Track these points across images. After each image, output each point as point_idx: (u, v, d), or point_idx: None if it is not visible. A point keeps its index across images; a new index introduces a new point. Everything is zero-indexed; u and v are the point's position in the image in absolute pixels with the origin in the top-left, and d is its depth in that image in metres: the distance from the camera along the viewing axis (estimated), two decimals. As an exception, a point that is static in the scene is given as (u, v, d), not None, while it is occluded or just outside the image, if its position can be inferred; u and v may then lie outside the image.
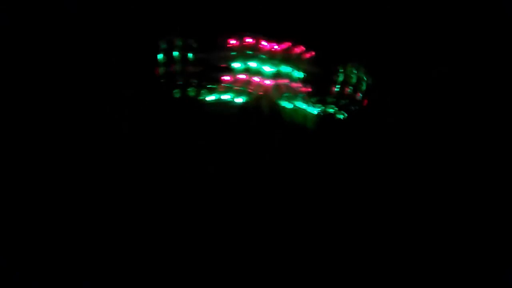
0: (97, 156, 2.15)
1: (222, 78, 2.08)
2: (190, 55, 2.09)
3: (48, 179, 2.11)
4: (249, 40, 2.07)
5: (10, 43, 2.15)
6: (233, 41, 2.06)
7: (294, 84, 2.10)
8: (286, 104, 2.10)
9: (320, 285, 2.06)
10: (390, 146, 2.19)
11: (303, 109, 2.12)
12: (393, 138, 2.20)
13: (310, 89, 2.13)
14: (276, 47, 2.08)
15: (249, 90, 2.09)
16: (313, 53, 2.11)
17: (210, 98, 2.11)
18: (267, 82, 2.08)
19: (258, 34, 2.08)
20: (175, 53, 2.09)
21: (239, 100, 2.09)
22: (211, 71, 2.10)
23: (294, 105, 2.11)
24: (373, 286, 2.07)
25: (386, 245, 2.11)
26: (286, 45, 2.08)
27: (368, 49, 2.19)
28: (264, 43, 2.07)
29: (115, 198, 2.11)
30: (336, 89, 2.14)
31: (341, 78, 2.14)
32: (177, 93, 2.11)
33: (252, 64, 2.08)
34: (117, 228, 2.08)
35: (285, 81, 2.09)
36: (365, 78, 2.16)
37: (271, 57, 2.08)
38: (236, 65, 2.08)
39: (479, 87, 2.21)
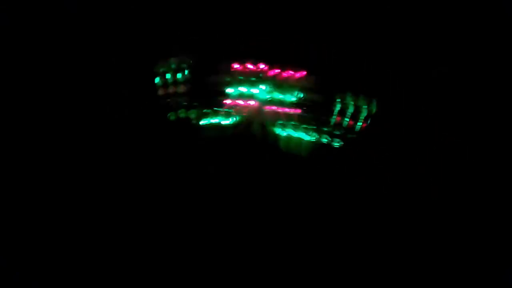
0: (96, 156, 2.16)
1: (223, 102, 2.08)
2: (180, 76, 2.10)
3: (48, 179, 2.12)
4: (247, 65, 2.06)
5: (10, 43, 2.16)
6: (236, 66, 2.06)
7: (288, 110, 2.08)
8: (279, 131, 2.08)
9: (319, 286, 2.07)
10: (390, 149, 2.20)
11: (296, 136, 2.09)
12: (391, 138, 2.20)
13: (304, 116, 2.10)
14: (270, 71, 2.06)
15: (241, 114, 2.08)
16: (307, 77, 2.07)
17: (205, 121, 2.11)
18: (257, 105, 2.07)
19: (254, 58, 2.07)
20: (173, 75, 2.10)
21: (226, 121, 2.08)
22: (208, 95, 2.10)
23: (287, 132, 2.08)
24: (373, 286, 2.08)
25: (385, 246, 2.12)
26: (281, 70, 2.06)
27: (366, 49, 2.19)
28: (251, 66, 2.06)
29: (114, 198, 2.12)
30: (333, 118, 2.11)
31: (338, 106, 2.11)
32: (172, 115, 2.12)
33: (244, 89, 2.08)
34: (116, 228, 2.09)
35: (279, 107, 2.07)
36: (364, 106, 2.11)
37: (266, 81, 2.06)
38: (230, 90, 2.08)
39: (479, 87, 2.20)
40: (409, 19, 2.20)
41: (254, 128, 2.07)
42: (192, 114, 2.09)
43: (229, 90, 2.07)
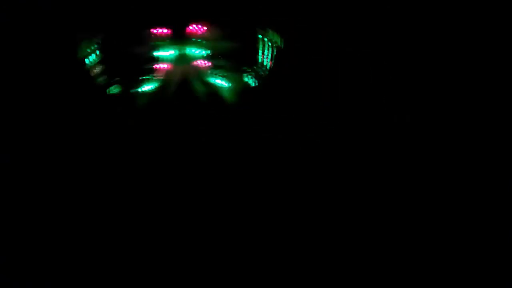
0: (94, 155, 2.16)
1: (155, 67, 2.11)
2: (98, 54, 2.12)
3: (46, 179, 2.12)
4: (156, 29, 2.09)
5: (10, 43, 2.16)
6: (156, 31, 2.08)
7: (202, 63, 2.12)
8: (200, 84, 2.12)
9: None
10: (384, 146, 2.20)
11: (217, 84, 2.14)
12: (388, 139, 2.20)
13: (221, 65, 2.14)
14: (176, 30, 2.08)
15: (163, 77, 2.12)
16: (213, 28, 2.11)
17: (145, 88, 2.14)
18: (174, 66, 2.11)
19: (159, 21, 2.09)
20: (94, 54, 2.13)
21: (148, 87, 2.12)
22: (140, 63, 2.13)
23: (208, 82, 2.13)
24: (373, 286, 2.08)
25: (380, 246, 2.12)
26: (186, 27, 2.10)
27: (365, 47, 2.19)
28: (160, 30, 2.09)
29: (113, 198, 2.12)
30: (248, 59, 2.16)
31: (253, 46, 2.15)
32: (113, 89, 2.15)
33: (159, 53, 2.11)
34: (115, 228, 2.09)
35: (194, 62, 2.11)
36: (278, 43, 2.14)
37: (175, 41, 2.10)
38: (152, 54, 2.11)
39: (479, 87, 2.21)
40: (408, 19, 2.20)
41: (179, 87, 2.10)
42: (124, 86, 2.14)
43: (150, 55, 2.12)
